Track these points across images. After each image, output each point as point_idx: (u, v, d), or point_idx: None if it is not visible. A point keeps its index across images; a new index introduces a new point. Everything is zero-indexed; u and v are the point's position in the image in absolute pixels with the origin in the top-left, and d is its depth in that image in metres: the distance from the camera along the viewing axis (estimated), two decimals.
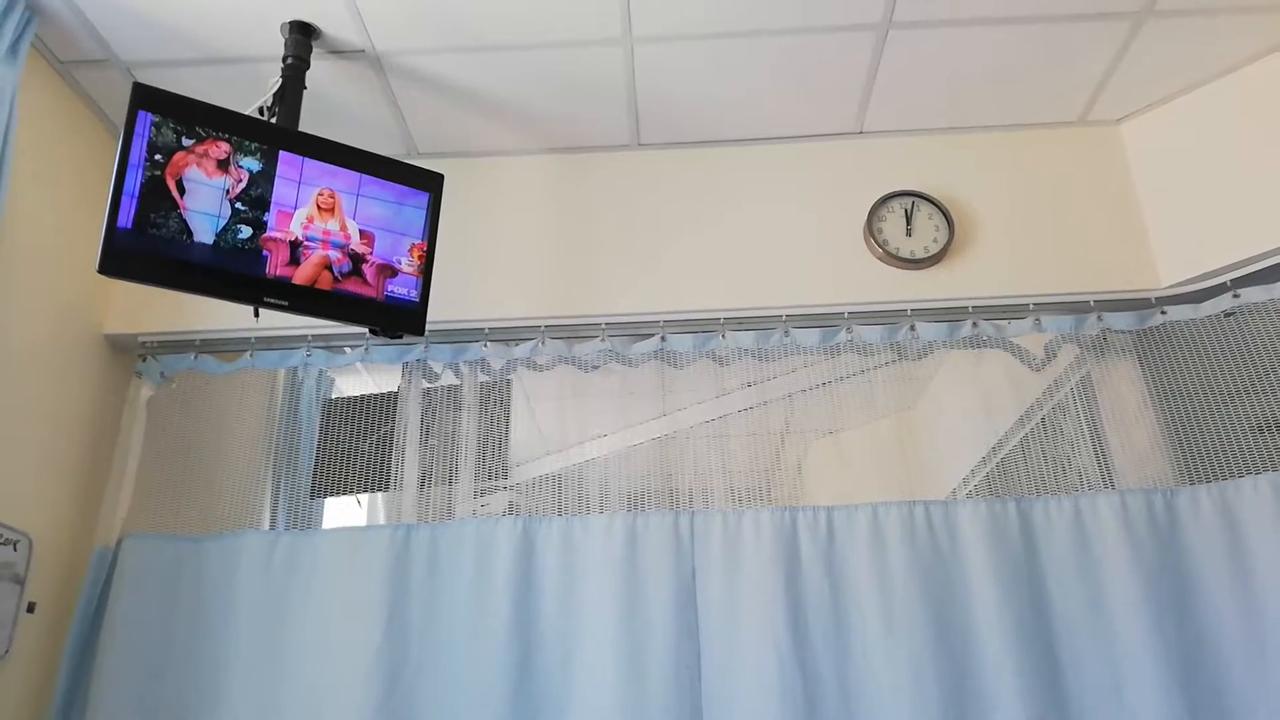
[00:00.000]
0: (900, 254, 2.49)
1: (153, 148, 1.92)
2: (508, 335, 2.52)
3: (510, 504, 2.50)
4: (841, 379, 2.53)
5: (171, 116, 1.95)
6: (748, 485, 2.36)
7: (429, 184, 2.25)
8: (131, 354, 2.54)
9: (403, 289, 2.18)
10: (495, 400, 2.55)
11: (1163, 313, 2.41)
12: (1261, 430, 2.23)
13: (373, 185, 2.17)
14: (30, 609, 2.14)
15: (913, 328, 2.46)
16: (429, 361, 2.55)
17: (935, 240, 2.51)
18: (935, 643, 2.07)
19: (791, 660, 2.07)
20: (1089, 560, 2.14)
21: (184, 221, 1.94)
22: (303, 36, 2.23)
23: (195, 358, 2.52)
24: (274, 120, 2.16)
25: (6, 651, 2.05)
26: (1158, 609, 2.05)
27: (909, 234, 2.52)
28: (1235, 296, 2.31)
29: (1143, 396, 2.39)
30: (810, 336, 2.47)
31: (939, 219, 2.53)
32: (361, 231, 2.14)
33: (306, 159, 2.09)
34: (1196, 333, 2.37)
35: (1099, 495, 2.20)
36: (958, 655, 2.07)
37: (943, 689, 2.02)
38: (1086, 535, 2.16)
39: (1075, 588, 2.11)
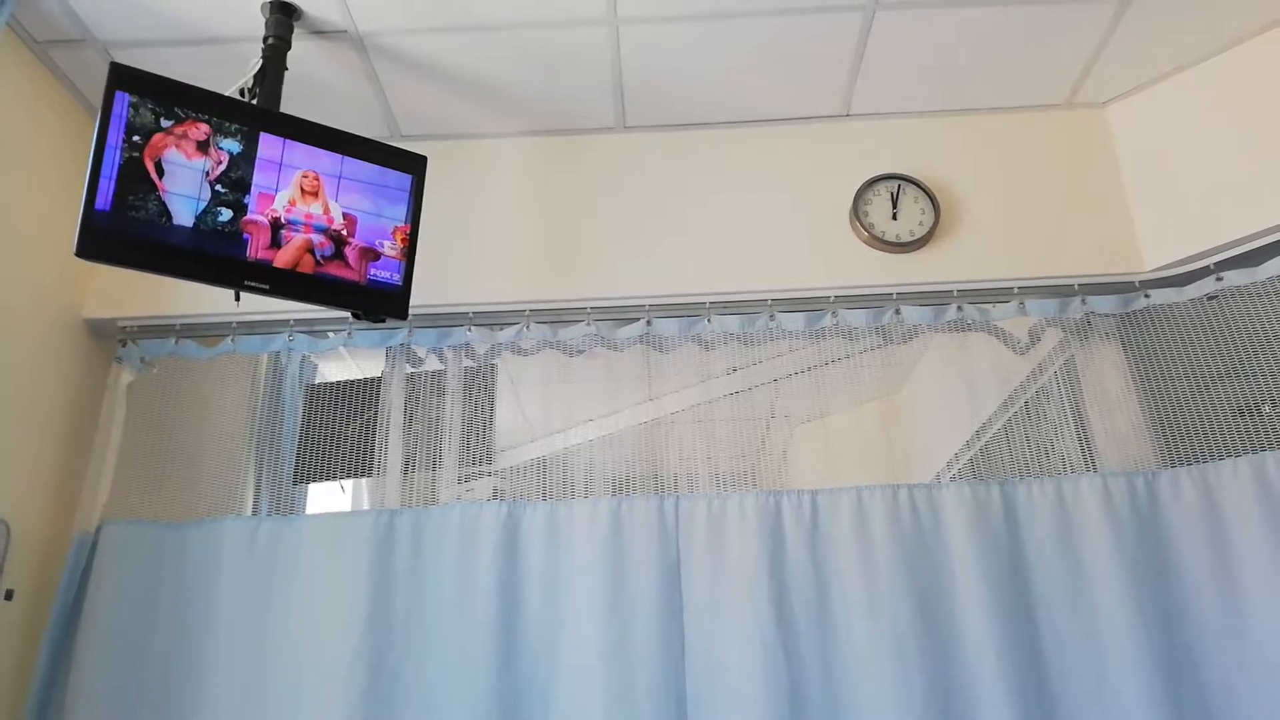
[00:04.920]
0: (886, 237, 2.49)
1: (130, 129, 1.89)
2: (492, 319, 2.51)
3: (495, 489, 2.49)
4: (827, 363, 2.53)
5: (150, 97, 1.92)
6: (733, 470, 2.36)
7: (412, 166, 2.22)
8: (111, 339, 2.51)
9: (385, 272, 2.16)
10: (479, 385, 2.54)
11: (1146, 296, 2.42)
12: (1242, 413, 2.24)
13: (355, 167, 2.14)
14: (8, 596, 2.12)
15: (898, 311, 2.46)
16: (412, 346, 2.53)
17: (921, 224, 2.50)
18: (919, 624, 2.08)
19: (776, 643, 2.07)
20: (1071, 542, 2.15)
21: (163, 204, 1.91)
22: (284, 16, 2.21)
23: (176, 343, 2.49)
24: (254, 102, 2.13)
25: None
26: (1139, 589, 2.06)
27: (895, 217, 2.52)
28: (1218, 280, 2.32)
29: (1126, 380, 2.40)
30: (796, 320, 2.46)
31: (925, 202, 2.53)
32: (344, 214, 2.12)
33: (288, 141, 2.07)
34: (1180, 316, 2.38)
35: (1081, 478, 2.21)
36: (941, 636, 2.08)
37: (926, 670, 2.03)
38: (1069, 517, 2.17)
39: (1058, 569, 2.13)
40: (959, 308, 2.45)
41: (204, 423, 2.52)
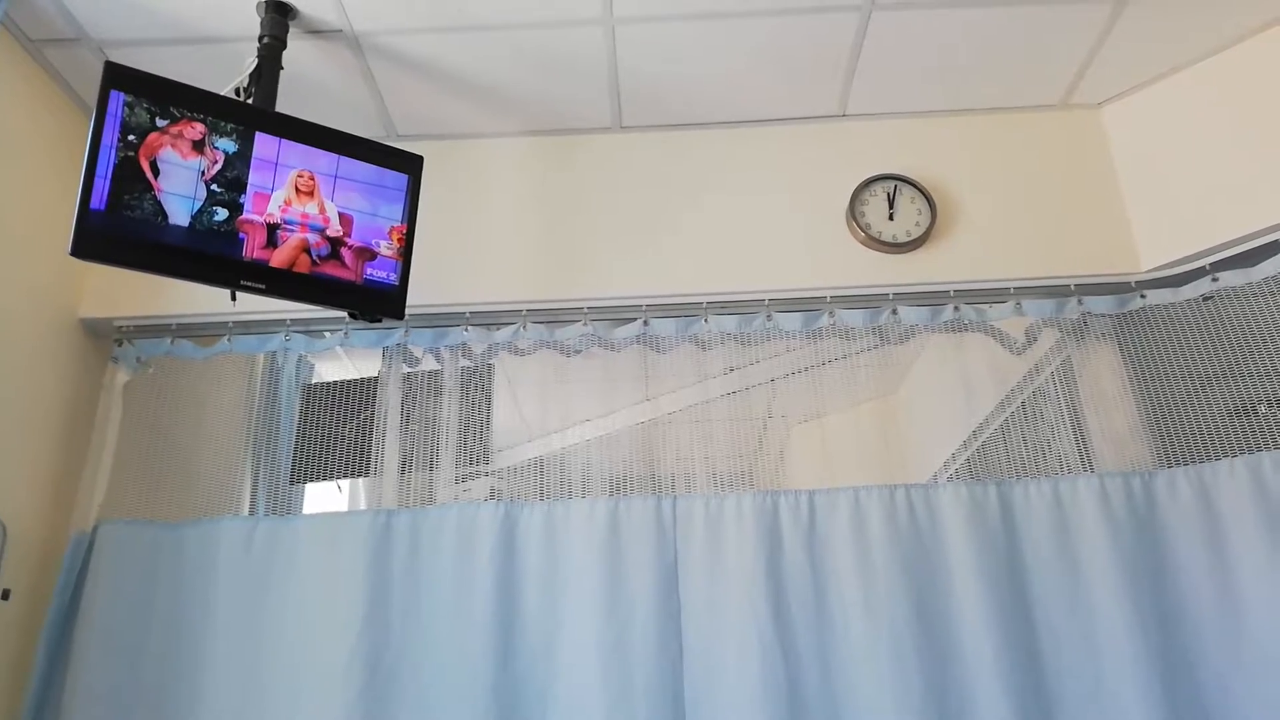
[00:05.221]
0: (883, 237, 2.49)
1: (126, 128, 1.89)
2: (489, 319, 2.51)
3: (492, 489, 2.49)
4: (824, 363, 2.53)
5: (145, 96, 1.91)
6: (730, 470, 2.36)
7: (408, 166, 2.22)
8: (107, 339, 2.51)
9: (382, 272, 2.16)
10: (476, 385, 2.54)
11: (1142, 296, 2.43)
12: (1238, 413, 2.25)
13: (351, 167, 2.14)
14: (5, 596, 2.11)
15: (895, 311, 2.46)
16: (409, 346, 2.53)
17: (918, 224, 2.51)
18: (916, 624, 2.08)
19: (773, 643, 2.07)
20: (1068, 542, 2.15)
21: (158, 203, 1.91)
22: (279, 15, 2.20)
23: (172, 342, 2.49)
24: (250, 101, 2.12)
25: None
26: (1136, 589, 2.07)
27: (891, 217, 2.52)
28: (1214, 280, 2.32)
29: (1122, 380, 2.40)
30: (792, 320, 2.46)
31: (921, 202, 2.53)
32: (340, 214, 2.12)
33: (283, 140, 2.06)
34: (1176, 317, 2.39)
35: (1078, 478, 2.22)
36: (938, 636, 2.08)
37: (924, 670, 2.04)
38: (1066, 518, 2.18)
39: (1054, 569, 2.13)
40: (955, 308, 2.45)
41: (200, 422, 2.52)
